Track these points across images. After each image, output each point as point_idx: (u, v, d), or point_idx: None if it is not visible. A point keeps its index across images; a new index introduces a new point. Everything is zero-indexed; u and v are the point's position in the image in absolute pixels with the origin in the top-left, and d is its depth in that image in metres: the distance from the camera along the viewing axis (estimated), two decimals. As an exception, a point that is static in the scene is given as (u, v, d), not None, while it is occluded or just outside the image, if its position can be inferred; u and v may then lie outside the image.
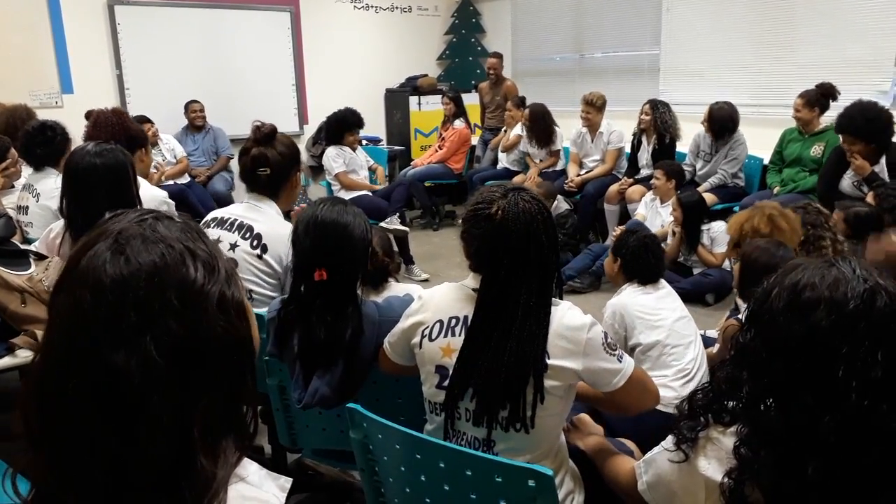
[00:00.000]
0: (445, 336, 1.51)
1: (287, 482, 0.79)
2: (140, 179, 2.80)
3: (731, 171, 4.92)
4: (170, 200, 2.81)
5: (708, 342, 2.62)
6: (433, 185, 6.47)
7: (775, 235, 2.48)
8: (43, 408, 0.66)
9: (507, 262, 1.42)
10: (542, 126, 5.80)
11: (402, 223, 5.28)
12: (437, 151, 6.46)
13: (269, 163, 2.22)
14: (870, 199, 3.42)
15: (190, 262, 0.69)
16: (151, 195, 2.72)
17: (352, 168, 5.21)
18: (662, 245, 4.49)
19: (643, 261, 2.49)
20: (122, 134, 2.87)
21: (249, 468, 0.75)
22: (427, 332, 1.54)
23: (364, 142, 6.22)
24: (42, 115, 3.74)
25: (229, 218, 2.28)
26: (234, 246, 2.21)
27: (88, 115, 4.66)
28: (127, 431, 0.64)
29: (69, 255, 0.71)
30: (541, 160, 5.96)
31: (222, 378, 0.69)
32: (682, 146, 5.29)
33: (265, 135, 2.24)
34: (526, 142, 6.04)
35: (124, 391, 0.64)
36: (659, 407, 1.68)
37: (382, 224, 4.88)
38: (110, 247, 0.68)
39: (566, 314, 1.46)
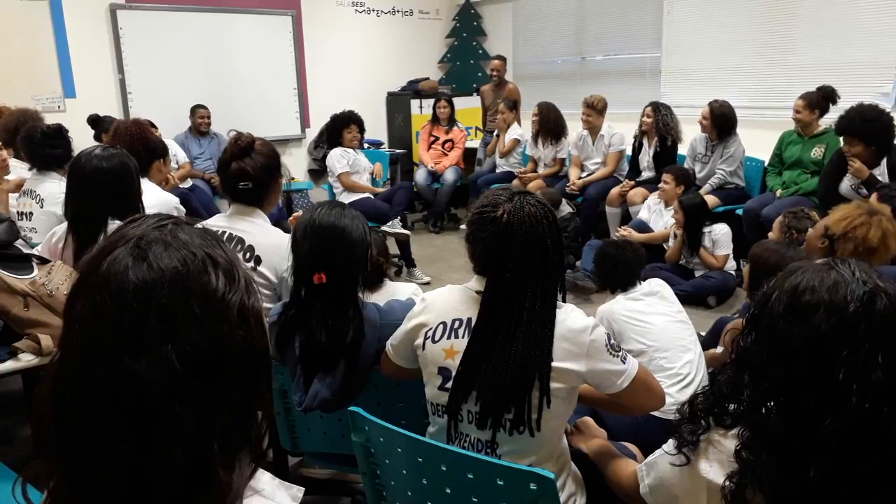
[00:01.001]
0: (448, 338, 1.51)
1: (299, 491, 0.78)
2: (151, 184, 2.81)
3: (728, 169, 4.92)
4: (181, 206, 2.81)
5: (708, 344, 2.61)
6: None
7: (880, 251, 2.29)
8: (59, 412, 0.65)
9: (513, 264, 1.42)
10: (553, 118, 5.75)
11: (404, 226, 5.28)
12: (444, 154, 6.41)
13: (251, 176, 2.16)
14: (873, 200, 3.42)
15: (211, 269, 0.68)
16: (164, 200, 2.72)
17: (355, 170, 5.21)
18: (665, 245, 4.53)
19: (604, 270, 2.47)
20: (141, 145, 2.87)
21: (262, 478, 0.74)
22: (430, 333, 1.54)
23: (366, 145, 6.21)
24: (44, 119, 3.75)
25: (217, 230, 2.18)
26: None
27: (91, 119, 4.70)
28: (145, 439, 0.63)
29: (86, 260, 0.69)
30: (546, 164, 5.94)
31: (241, 388, 0.68)
32: (684, 149, 5.29)
33: (242, 148, 2.17)
34: (531, 144, 6.03)
35: (144, 399, 0.63)
36: (657, 413, 1.68)
37: (384, 228, 4.88)
38: (131, 252, 0.67)
39: (569, 316, 1.46)
